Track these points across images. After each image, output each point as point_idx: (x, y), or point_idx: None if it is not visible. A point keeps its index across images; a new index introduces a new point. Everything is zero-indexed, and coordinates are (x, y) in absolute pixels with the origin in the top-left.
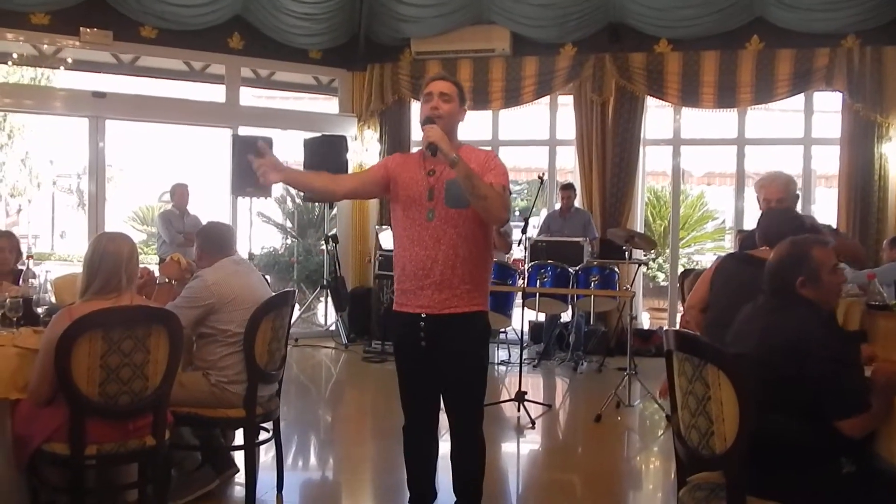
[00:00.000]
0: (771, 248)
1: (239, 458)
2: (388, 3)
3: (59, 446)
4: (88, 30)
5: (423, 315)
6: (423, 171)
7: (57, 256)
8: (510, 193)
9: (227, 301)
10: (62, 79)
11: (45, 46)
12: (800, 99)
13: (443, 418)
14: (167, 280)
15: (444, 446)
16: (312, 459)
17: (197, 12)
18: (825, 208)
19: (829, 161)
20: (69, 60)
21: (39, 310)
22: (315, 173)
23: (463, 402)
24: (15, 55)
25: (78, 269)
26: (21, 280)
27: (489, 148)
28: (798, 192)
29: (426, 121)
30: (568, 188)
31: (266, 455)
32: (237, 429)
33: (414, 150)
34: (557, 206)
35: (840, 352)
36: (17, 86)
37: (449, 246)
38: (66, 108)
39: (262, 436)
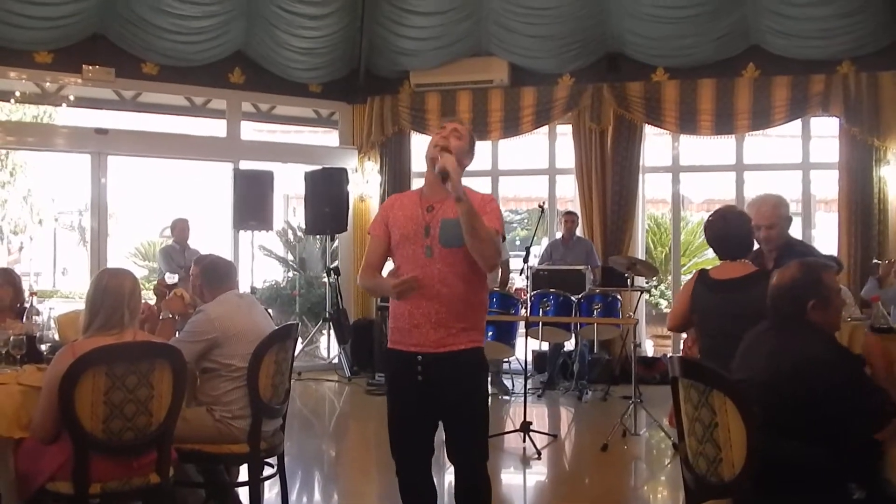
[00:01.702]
0: (728, 258)
1: (244, 494)
2: (387, 37)
3: (63, 485)
4: (91, 67)
5: (420, 354)
6: (420, 208)
7: (60, 294)
8: (503, 239)
9: (230, 335)
10: (64, 116)
11: (48, 84)
12: (797, 124)
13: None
14: (170, 315)
15: (448, 478)
16: (317, 495)
17: (198, 48)
18: (826, 232)
19: (828, 185)
20: (71, 98)
21: (43, 347)
22: (376, 278)
23: (466, 440)
24: (18, 93)
25: (81, 305)
26: (25, 317)
27: (488, 178)
28: (793, 214)
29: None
30: (571, 213)
31: (270, 491)
32: (241, 464)
33: (414, 181)
34: (558, 234)
35: (854, 372)
36: (20, 123)
37: (444, 284)
38: (69, 145)
39: (267, 471)
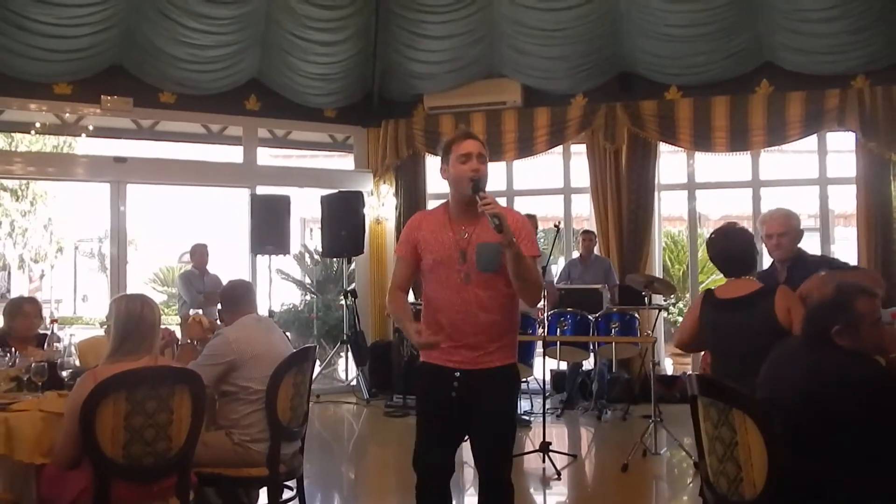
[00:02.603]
0: (732, 275)
1: None
2: (401, 61)
3: None
4: (109, 97)
5: (458, 371)
6: (450, 231)
7: (83, 321)
8: (539, 256)
9: (248, 357)
10: (84, 146)
11: (68, 115)
12: (813, 139)
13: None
14: (189, 340)
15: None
16: None
17: (214, 76)
18: (845, 247)
19: (846, 200)
20: (90, 127)
21: (64, 373)
22: (405, 307)
23: (497, 452)
24: (38, 124)
25: (101, 332)
26: (46, 344)
27: (504, 199)
28: (811, 230)
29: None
30: (588, 233)
31: None
32: (261, 487)
33: (430, 203)
34: (575, 254)
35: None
36: (41, 154)
37: (480, 308)
38: (88, 174)
39: (286, 494)
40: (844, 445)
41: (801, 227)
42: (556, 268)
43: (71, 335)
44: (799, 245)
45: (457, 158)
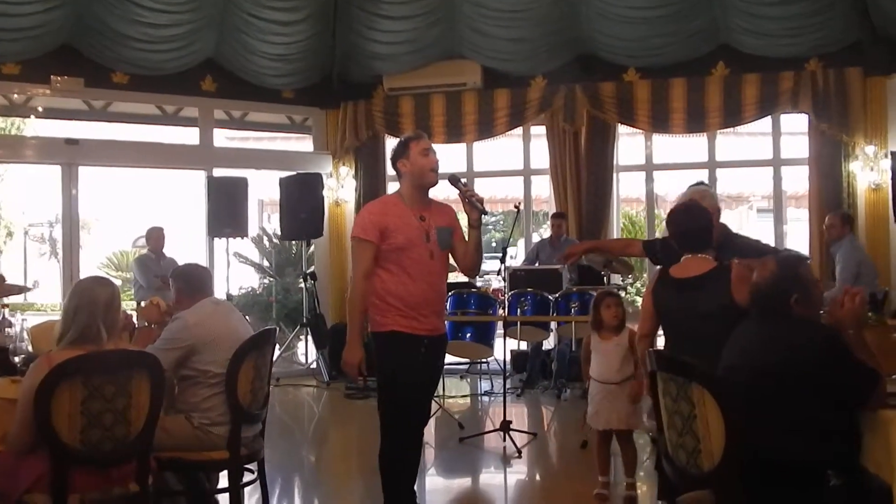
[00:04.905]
0: (689, 252)
1: (224, 500)
2: (360, 42)
3: (41, 497)
4: (59, 78)
5: (426, 338)
6: (413, 216)
7: (36, 308)
8: None
9: (207, 341)
10: (34, 127)
11: (16, 96)
12: (767, 121)
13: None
14: (147, 324)
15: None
16: (297, 500)
17: (169, 57)
18: (797, 228)
19: (799, 181)
20: (40, 109)
21: (17, 359)
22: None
23: (429, 406)
24: None
25: (54, 317)
26: None
27: (465, 179)
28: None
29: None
30: (559, 217)
31: (251, 497)
32: (221, 471)
33: (389, 185)
34: (536, 237)
35: (840, 346)
36: None
37: (439, 281)
38: (39, 157)
39: (247, 477)
40: (800, 415)
41: (717, 203)
42: (516, 249)
43: (23, 320)
44: (723, 222)
45: (419, 153)
